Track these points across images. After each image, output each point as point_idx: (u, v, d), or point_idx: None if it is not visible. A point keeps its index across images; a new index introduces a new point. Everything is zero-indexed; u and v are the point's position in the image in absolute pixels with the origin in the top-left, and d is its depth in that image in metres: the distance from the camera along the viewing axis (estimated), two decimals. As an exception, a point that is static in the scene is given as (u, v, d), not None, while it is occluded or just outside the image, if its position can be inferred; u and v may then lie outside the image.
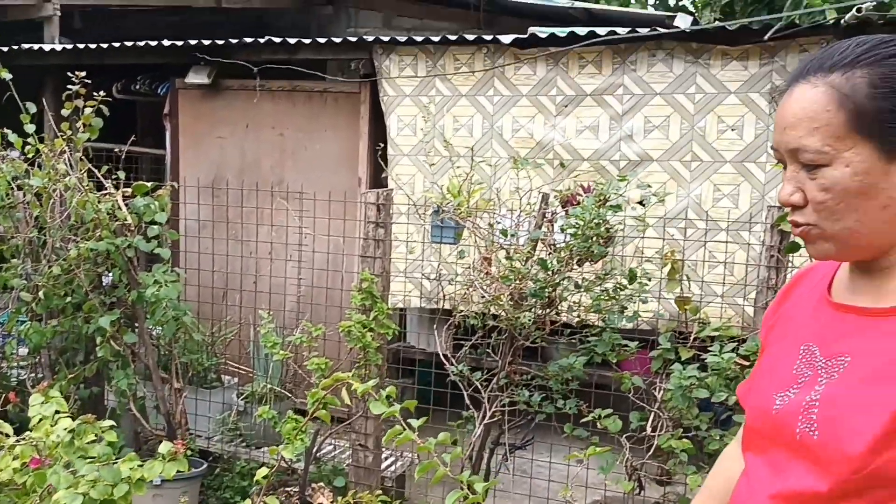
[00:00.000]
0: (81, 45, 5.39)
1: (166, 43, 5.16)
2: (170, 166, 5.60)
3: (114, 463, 2.64)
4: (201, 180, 5.06)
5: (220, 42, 5.01)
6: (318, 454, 3.83)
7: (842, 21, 3.56)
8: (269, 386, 4.05)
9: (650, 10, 8.08)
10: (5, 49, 5.40)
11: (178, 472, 2.75)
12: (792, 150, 1.11)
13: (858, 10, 3.29)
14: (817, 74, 1.10)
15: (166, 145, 5.63)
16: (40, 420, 2.72)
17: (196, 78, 5.26)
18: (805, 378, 1.17)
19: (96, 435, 2.73)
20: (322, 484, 3.63)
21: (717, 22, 7.42)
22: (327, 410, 2.54)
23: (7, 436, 2.57)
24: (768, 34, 3.74)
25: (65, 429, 2.57)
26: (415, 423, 2.01)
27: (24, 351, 4.14)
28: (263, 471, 2.55)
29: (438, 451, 1.98)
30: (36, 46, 5.48)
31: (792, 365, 1.21)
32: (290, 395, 4.08)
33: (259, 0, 7.31)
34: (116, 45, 5.24)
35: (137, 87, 5.78)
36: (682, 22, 5.53)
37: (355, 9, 7.39)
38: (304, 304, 4.43)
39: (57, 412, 2.77)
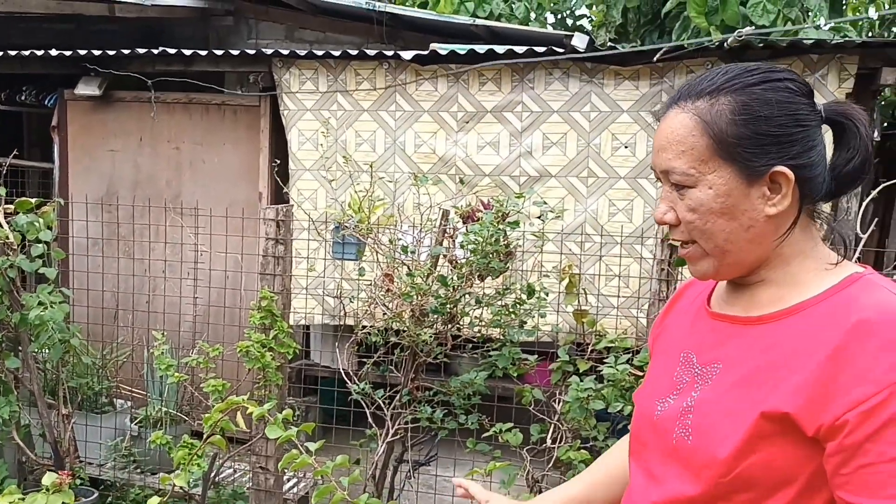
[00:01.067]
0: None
1: (54, 52, 4.94)
2: (58, 181, 5.35)
3: (-8, 498, 2.50)
4: (92, 195, 4.86)
5: (112, 52, 4.83)
6: (217, 478, 3.72)
7: (724, 44, 3.75)
8: (164, 409, 3.90)
9: (549, 30, 8.29)
10: None
11: (82, 485, 2.63)
12: (664, 171, 1.17)
13: (739, 35, 3.48)
14: (687, 101, 1.16)
15: (55, 159, 5.38)
16: None
17: (86, 89, 5.05)
18: (683, 384, 1.22)
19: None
20: (221, 509, 3.52)
21: (611, 41, 7.68)
22: (223, 435, 2.47)
23: None
24: (656, 56, 3.89)
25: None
26: (312, 445, 1.98)
27: None
28: (155, 500, 2.45)
29: (337, 475, 1.95)
30: None
31: (672, 372, 1.26)
32: (186, 418, 3.94)
33: (155, 10, 7.04)
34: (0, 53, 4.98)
35: (23, 97, 5.49)
36: (579, 41, 5.69)
37: (256, 20, 7.24)
38: (201, 324, 4.30)
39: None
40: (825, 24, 3.40)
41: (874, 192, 3.40)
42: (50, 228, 3.60)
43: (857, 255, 2.88)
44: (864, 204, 3.13)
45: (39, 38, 6.83)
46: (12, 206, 3.60)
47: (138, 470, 3.95)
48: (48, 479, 2.56)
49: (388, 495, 3.29)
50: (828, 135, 1.18)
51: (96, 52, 4.84)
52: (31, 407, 3.73)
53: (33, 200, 3.67)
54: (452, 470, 3.62)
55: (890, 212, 6.36)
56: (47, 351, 3.51)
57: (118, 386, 4.26)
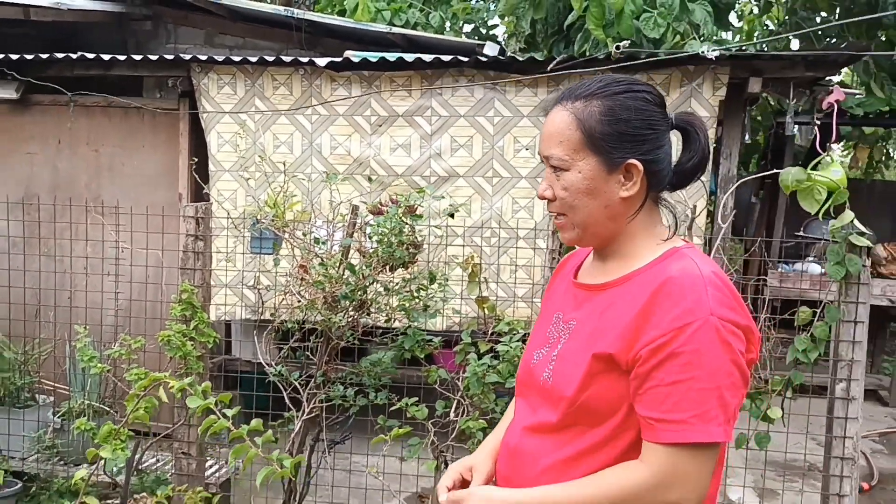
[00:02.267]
0: None
1: (-34, 56, 4.98)
2: (-27, 183, 5.36)
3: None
4: (10, 198, 4.92)
5: (30, 57, 4.90)
6: (140, 467, 3.87)
7: (610, 55, 4.13)
8: (86, 402, 4.02)
9: (464, 39, 8.64)
10: None
11: (6, 477, 2.75)
12: (546, 157, 1.49)
13: (617, 48, 3.86)
14: (567, 101, 1.48)
15: (-31, 161, 5.39)
16: None
17: (2, 93, 5.10)
18: (553, 339, 1.55)
19: None
20: (145, 494, 3.67)
21: (520, 50, 8.08)
22: (147, 412, 2.66)
23: None
24: (550, 66, 4.25)
25: None
26: (230, 412, 2.20)
27: None
28: (81, 472, 2.62)
29: (262, 450, 2.17)
30: None
31: (546, 329, 1.60)
32: (109, 409, 4.07)
33: (71, 14, 7.05)
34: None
35: (-65, 100, 5.46)
36: (490, 50, 6.03)
37: (175, 25, 7.32)
38: (123, 319, 4.43)
39: None
40: (708, 51, 3.78)
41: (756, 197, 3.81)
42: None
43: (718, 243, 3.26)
44: (724, 199, 3.52)
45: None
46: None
47: (62, 462, 4.06)
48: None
49: (304, 473, 3.52)
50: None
51: (14, 57, 4.90)
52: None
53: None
54: (367, 449, 3.88)
55: (774, 211, 6.94)
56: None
57: (40, 381, 4.35)
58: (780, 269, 6.14)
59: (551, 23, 7.67)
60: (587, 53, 6.54)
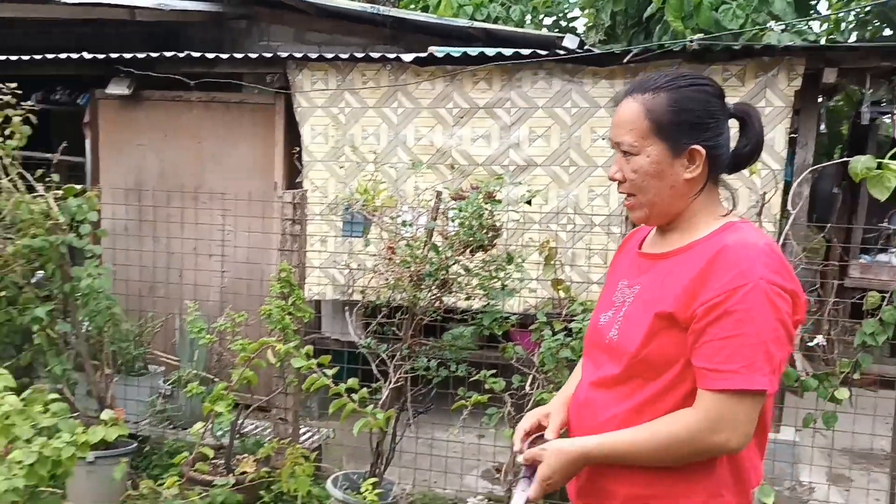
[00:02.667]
0: (2, 57, 5.60)
1: (87, 55, 5.45)
2: (90, 172, 5.87)
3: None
4: (122, 186, 5.39)
5: (141, 56, 5.34)
6: (241, 432, 4.23)
7: (685, 47, 4.24)
8: (193, 371, 4.42)
9: (544, 32, 8.79)
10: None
11: (118, 438, 3.12)
12: (617, 143, 1.70)
13: (691, 41, 3.99)
14: (637, 93, 1.68)
15: (86, 152, 5.89)
16: (-10, 394, 3.05)
17: (116, 89, 5.57)
18: (618, 303, 1.76)
19: (44, 406, 3.07)
20: (247, 455, 4.03)
21: (600, 42, 8.18)
22: (253, 377, 2.98)
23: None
24: (627, 58, 4.39)
25: (20, 399, 2.92)
26: (329, 371, 2.48)
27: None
28: (198, 425, 2.96)
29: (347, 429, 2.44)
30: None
31: (612, 294, 1.81)
32: (214, 378, 4.45)
33: (173, 14, 7.54)
34: (38, 57, 5.49)
35: (57, 97, 6.00)
36: (570, 42, 6.18)
37: (267, 23, 7.72)
38: (226, 296, 4.82)
39: (6, 387, 3.10)
40: (780, 44, 3.85)
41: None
42: (94, 211, 4.12)
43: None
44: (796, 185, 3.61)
45: (58, 40, 7.32)
46: (60, 192, 4.12)
47: (171, 426, 4.47)
48: (106, 414, 3.07)
49: (391, 440, 3.80)
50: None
51: (127, 55, 5.35)
52: (78, 369, 4.23)
53: (78, 187, 4.19)
54: (447, 422, 4.13)
55: (856, 201, 6.87)
56: (94, 318, 4.02)
57: (152, 352, 4.78)
58: (861, 259, 6.09)
59: (631, 14, 7.76)
60: (666, 45, 6.62)
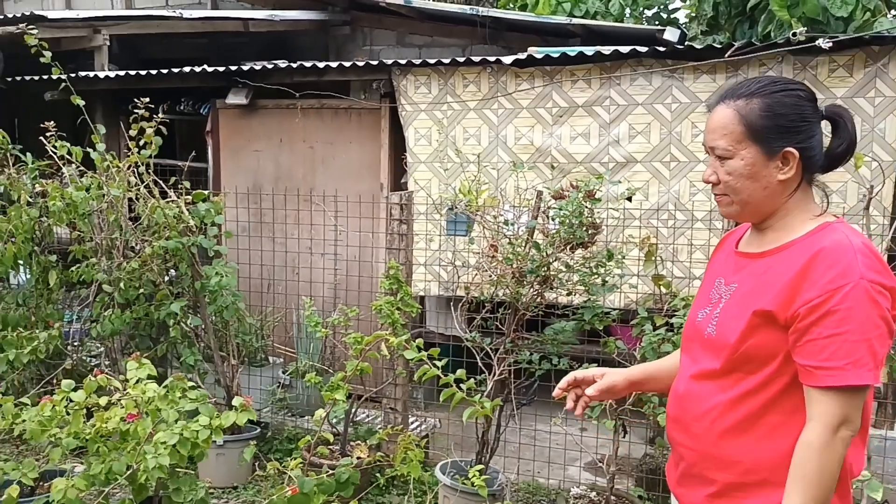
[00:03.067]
0: (133, 72, 6.09)
1: (209, 69, 5.86)
2: (212, 177, 6.30)
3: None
4: (241, 189, 5.77)
5: (258, 67, 5.70)
6: (355, 420, 4.49)
7: (789, 37, 4.19)
8: (309, 363, 4.71)
9: (644, 25, 8.72)
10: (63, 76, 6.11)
11: (247, 423, 3.39)
12: (711, 147, 1.79)
13: (794, 34, 3.94)
14: (730, 99, 1.77)
15: (208, 159, 6.33)
16: (137, 381, 3.39)
17: (235, 99, 5.96)
18: (715, 300, 1.85)
19: (182, 392, 3.39)
20: (359, 442, 4.28)
21: (702, 33, 8.06)
22: (367, 369, 3.19)
23: (117, 389, 3.22)
24: (728, 52, 4.38)
25: (163, 385, 3.24)
26: (439, 363, 2.66)
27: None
28: (319, 412, 3.21)
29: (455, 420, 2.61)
30: (92, 74, 6.19)
31: (710, 291, 1.89)
32: (328, 369, 4.74)
33: (282, 24, 7.98)
34: (164, 71, 5.94)
35: (182, 107, 6.46)
36: (671, 35, 6.17)
37: (369, 28, 8.03)
38: (337, 293, 5.10)
39: (149, 376, 3.44)
40: (889, 32, 3.75)
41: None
42: (220, 214, 4.46)
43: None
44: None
45: (176, 51, 7.84)
46: (190, 197, 4.48)
47: (290, 413, 4.79)
48: (237, 400, 3.36)
49: (496, 430, 3.96)
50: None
51: (245, 67, 5.72)
52: (207, 360, 4.60)
53: (205, 192, 4.54)
54: (549, 415, 4.26)
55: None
56: (221, 313, 4.37)
57: (273, 344, 5.12)
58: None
59: (735, 4, 7.59)
60: (772, 34, 6.49)
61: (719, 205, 1.82)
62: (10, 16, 6.21)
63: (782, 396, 1.67)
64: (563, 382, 2.01)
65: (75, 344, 4.87)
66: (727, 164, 1.74)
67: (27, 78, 6.37)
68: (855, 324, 1.56)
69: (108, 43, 6.63)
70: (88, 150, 4.37)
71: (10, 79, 6.49)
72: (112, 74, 6.16)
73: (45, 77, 6.20)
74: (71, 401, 3.22)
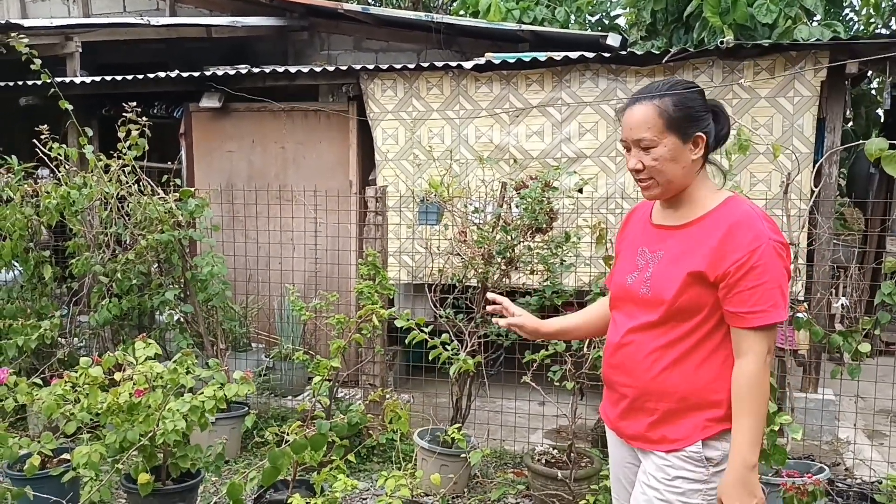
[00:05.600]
0: (109, 78, 6.36)
1: (184, 74, 6.17)
2: (185, 177, 6.60)
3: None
4: (213, 188, 6.09)
5: (232, 72, 6.03)
6: (336, 397, 4.87)
7: (719, 45, 4.74)
8: (291, 347, 5.08)
9: (588, 30, 9.27)
10: (38, 82, 6.33)
11: (234, 403, 3.74)
12: (636, 140, 2.19)
13: (721, 42, 4.49)
14: (645, 100, 2.21)
15: (182, 159, 6.62)
16: (145, 359, 3.73)
17: (208, 102, 6.28)
18: (642, 265, 2.27)
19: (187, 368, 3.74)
20: (342, 416, 4.66)
21: (641, 38, 8.64)
22: (362, 335, 3.60)
23: (131, 364, 3.55)
24: (665, 58, 4.91)
25: (172, 360, 3.59)
26: (426, 329, 3.08)
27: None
28: (317, 378, 3.59)
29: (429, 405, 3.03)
30: (68, 79, 6.43)
31: (634, 259, 2.30)
32: (307, 351, 5.11)
33: (243, 30, 8.26)
34: (140, 76, 6.23)
35: (155, 111, 6.74)
36: (613, 40, 6.71)
37: (327, 34, 8.37)
38: (309, 282, 5.47)
39: (156, 354, 3.77)
40: (802, 39, 4.25)
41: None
42: (207, 209, 4.80)
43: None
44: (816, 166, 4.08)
45: (134, 56, 8.06)
46: (177, 195, 4.81)
47: (273, 394, 5.14)
48: (237, 374, 3.72)
49: (467, 398, 4.40)
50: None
51: (219, 72, 6.05)
52: (196, 346, 4.93)
53: (192, 189, 4.88)
54: (513, 393, 4.71)
55: (894, 181, 7.24)
56: (209, 300, 4.71)
57: (256, 331, 5.47)
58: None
59: (671, 11, 8.20)
60: (706, 40, 7.09)
61: (644, 190, 2.20)
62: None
63: (705, 339, 2.10)
64: (494, 298, 2.45)
65: (66, 336, 5.14)
66: (652, 152, 2.11)
67: (1, 84, 6.58)
68: (770, 275, 2.00)
69: (80, 49, 6.87)
70: (83, 151, 4.66)
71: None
72: (88, 80, 6.41)
73: (18, 83, 6.46)
74: (73, 384, 3.54)
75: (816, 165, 4.38)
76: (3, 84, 6.59)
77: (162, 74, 6.27)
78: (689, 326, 2.11)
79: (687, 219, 2.17)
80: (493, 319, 2.46)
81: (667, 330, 2.14)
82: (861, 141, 3.88)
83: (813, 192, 4.42)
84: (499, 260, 3.99)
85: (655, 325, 2.16)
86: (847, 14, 8.65)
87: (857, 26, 8.90)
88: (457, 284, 4.27)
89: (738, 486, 2.01)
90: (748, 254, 2.00)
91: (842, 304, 3.92)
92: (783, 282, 2.04)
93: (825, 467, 3.95)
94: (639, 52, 5.17)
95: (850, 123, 7.90)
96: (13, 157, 5.12)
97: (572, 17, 9.20)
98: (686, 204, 2.19)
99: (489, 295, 2.47)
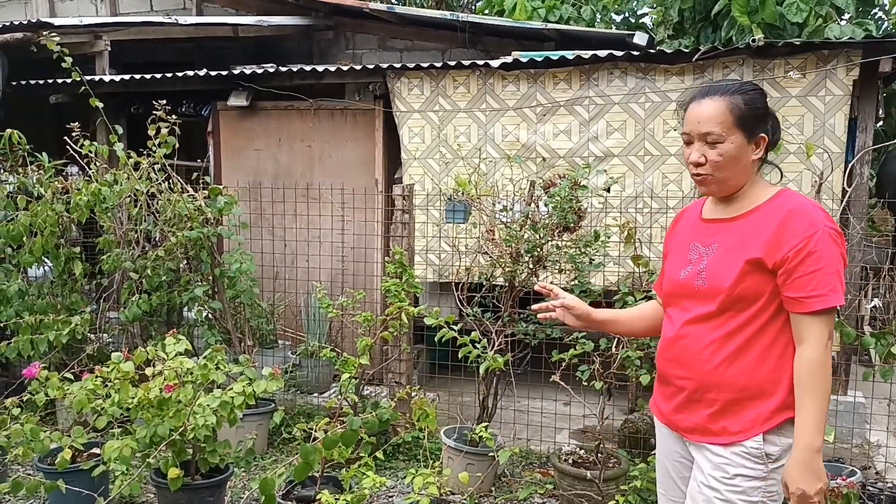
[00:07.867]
0: (139, 76, 6.42)
1: (213, 73, 6.21)
2: (213, 175, 6.64)
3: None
4: (243, 184, 6.13)
5: (259, 71, 6.06)
6: (362, 394, 4.88)
7: (750, 43, 4.69)
8: (317, 344, 5.10)
9: (614, 29, 9.22)
10: (68, 81, 6.40)
11: (261, 399, 3.75)
12: (702, 134, 2.18)
13: (753, 41, 4.44)
14: (715, 95, 2.19)
15: (209, 158, 6.67)
16: (175, 355, 3.76)
17: (236, 101, 6.32)
18: (695, 259, 2.27)
19: (217, 364, 3.76)
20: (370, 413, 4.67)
21: (668, 37, 8.58)
22: (390, 332, 3.60)
23: (162, 360, 3.58)
24: (695, 56, 4.87)
25: (203, 356, 3.61)
26: (455, 327, 3.07)
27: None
28: (345, 375, 3.60)
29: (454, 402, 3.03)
30: (97, 77, 6.50)
31: (687, 254, 2.31)
32: (336, 350, 5.13)
33: (269, 29, 8.30)
34: (169, 75, 6.28)
35: (183, 109, 6.79)
36: (640, 39, 6.66)
37: (352, 33, 8.39)
38: (335, 280, 5.50)
39: (186, 350, 3.80)
40: (834, 38, 4.21)
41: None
42: (236, 207, 4.83)
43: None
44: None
45: (160, 55, 8.13)
46: (206, 192, 4.84)
47: (299, 391, 5.16)
48: (266, 370, 3.74)
49: (493, 397, 4.39)
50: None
51: (247, 71, 6.08)
52: (224, 342, 4.96)
53: (221, 187, 4.91)
54: (540, 392, 4.70)
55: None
56: (237, 297, 4.73)
57: (283, 328, 5.50)
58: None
59: (699, 10, 8.14)
60: (734, 39, 7.02)
61: (700, 184, 2.21)
62: (16, 22, 6.49)
63: (763, 330, 2.10)
64: (543, 285, 2.47)
65: (95, 331, 5.19)
66: (718, 147, 2.12)
67: (32, 82, 6.66)
68: (826, 260, 2.01)
69: (108, 48, 6.93)
70: (114, 148, 4.71)
71: (14, 83, 6.77)
72: (118, 78, 6.47)
73: (49, 81, 6.55)
74: (104, 379, 3.57)
75: (849, 166, 4.32)
76: (33, 82, 6.66)
77: (191, 73, 6.32)
78: (747, 316, 2.13)
79: (740, 211, 2.20)
80: (540, 316, 2.45)
81: (724, 321, 2.15)
82: (893, 141, 3.83)
83: (845, 192, 4.37)
84: (527, 259, 3.98)
85: (712, 315, 2.18)
86: (877, 13, 8.53)
87: (885, 24, 8.77)
88: (483, 283, 4.26)
89: (803, 470, 2.01)
90: (805, 239, 2.03)
91: (874, 306, 3.86)
92: (840, 267, 2.06)
93: (856, 470, 3.90)
94: (668, 51, 5.13)
95: (880, 123, 7.79)
96: (43, 153, 5.19)
97: (598, 15, 9.15)
98: (739, 199, 2.21)
99: (538, 286, 2.46)
